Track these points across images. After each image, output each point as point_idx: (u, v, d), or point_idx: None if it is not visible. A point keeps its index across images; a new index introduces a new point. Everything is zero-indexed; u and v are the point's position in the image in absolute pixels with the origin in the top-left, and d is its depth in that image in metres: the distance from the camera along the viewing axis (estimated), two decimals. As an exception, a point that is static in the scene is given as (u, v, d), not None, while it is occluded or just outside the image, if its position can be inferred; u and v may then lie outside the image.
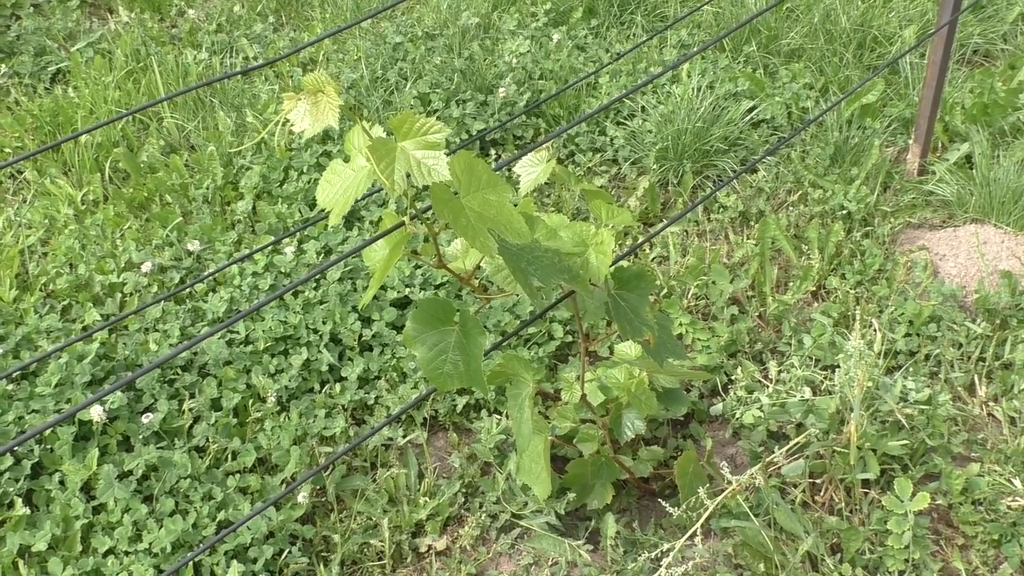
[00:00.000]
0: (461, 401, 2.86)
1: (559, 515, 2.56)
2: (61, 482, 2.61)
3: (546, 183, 3.61)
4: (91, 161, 3.81)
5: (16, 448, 2.63)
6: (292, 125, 1.34)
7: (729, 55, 4.25)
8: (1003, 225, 3.32)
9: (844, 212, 3.41)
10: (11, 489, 2.57)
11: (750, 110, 3.92)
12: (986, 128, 3.66)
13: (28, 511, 2.52)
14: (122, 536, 2.47)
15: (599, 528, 2.56)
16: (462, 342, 1.75)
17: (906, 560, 2.38)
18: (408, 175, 1.44)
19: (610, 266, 1.96)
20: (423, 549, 2.56)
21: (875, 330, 2.86)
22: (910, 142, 3.64)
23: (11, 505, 2.55)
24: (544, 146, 1.94)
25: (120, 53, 4.39)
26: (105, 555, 2.46)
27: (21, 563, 2.42)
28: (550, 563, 2.50)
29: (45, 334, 3.01)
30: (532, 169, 1.95)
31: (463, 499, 2.66)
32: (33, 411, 2.74)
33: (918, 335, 2.98)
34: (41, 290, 3.25)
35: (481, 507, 2.63)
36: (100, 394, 1.53)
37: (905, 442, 2.59)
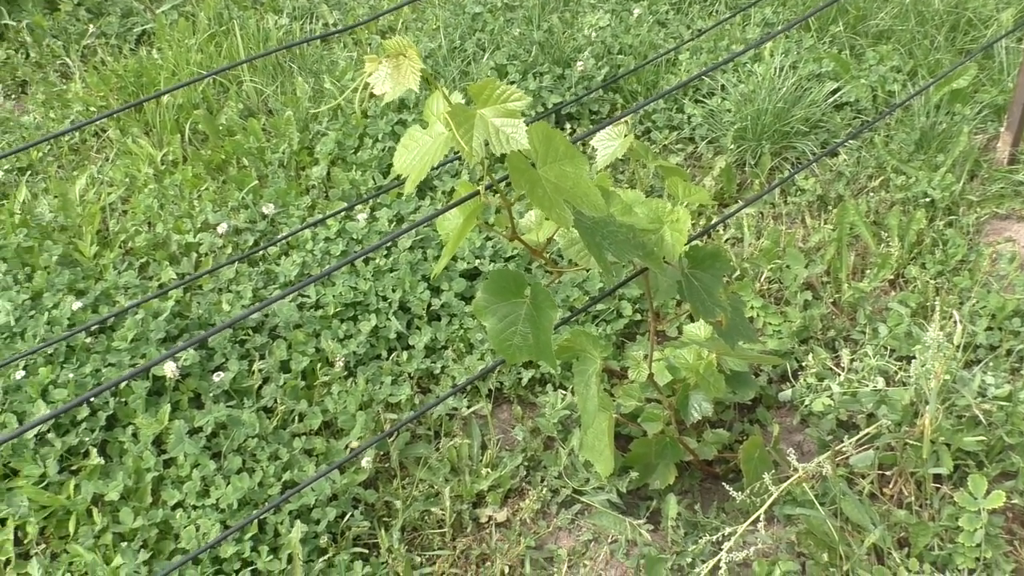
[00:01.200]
0: (527, 375, 2.85)
1: (620, 493, 2.55)
2: (134, 435, 2.68)
3: (621, 160, 3.57)
4: (172, 122, 3.88)
5: (92, 399, 2.70)
6: (373, 88, 1.34)
7: (814, 35, 4.14)
8: (1096, 219, 3.19)
9: (927, 200, 3.31)
10: (87, 439, 2.64)
11: (834, 92, 3.82)
12: (1082, 118, 3.52)
13: (102, 461, 2.59)
14: (191, 490, 2.52)
15: (660, 508, 2.54)
16: (532, 315, 1.74)
17: (977, 559, 2.32)
18: (486, 143, 1.43)
19: (685, 245, 1.93)
20: (483, 520, 2.57)
21: (955, 322, 2.77)
22: (1001, 130, 3.52)
23: (87, 455, 2.63)
24: (622, 120, 1.91)
25: (203, 16, 4.45)
26: (174, 508, 2.52)
27: (95, 510, 2.50)
28: (610, 540, 2.49)
29: (123, 290, 3.08)
30: (609, 143, 1.93)
31: (525, 472, 2.66)
32: (109, 364, 2.81)
33: (1000, 329, 2.88)
34: (120, 247, 3.32)
35: (543, 481, 2.63)
36: (173, 350, 1.55)
37: (981, 438, 2.51)
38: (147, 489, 2.55)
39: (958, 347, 2.71)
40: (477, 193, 1.65)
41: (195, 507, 2.51)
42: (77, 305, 2.95)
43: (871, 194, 3.40)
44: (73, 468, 2.62)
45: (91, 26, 4.52)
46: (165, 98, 3.89)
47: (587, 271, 3.08)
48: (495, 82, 1.44)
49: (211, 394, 2.76)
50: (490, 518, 2.57)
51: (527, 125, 1.51)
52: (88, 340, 2.88)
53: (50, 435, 2.63)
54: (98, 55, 4.37)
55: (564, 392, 2.78)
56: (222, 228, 3.28)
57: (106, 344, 2.85)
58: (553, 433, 2.70)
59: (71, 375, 2.74)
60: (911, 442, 2.52)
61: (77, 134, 3.90)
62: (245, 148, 3.70)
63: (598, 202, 1.56)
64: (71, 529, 2.48)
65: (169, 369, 2.74)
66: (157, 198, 3.46)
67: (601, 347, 2.18)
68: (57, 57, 4.42)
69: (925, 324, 2.86)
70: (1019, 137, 3.46)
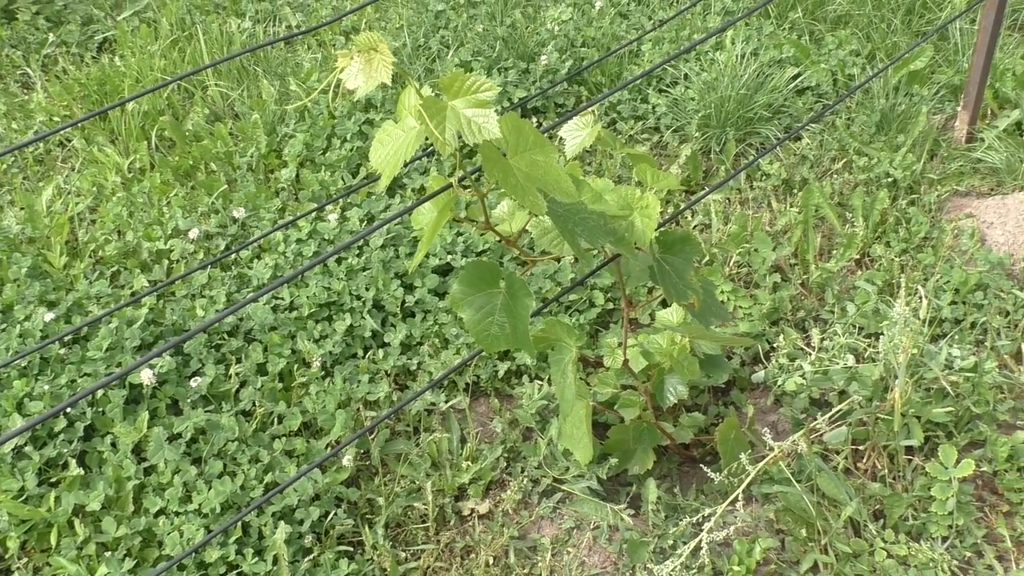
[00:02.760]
0: (503, 367, 2.88)
1: (600, 480, 2.58)
2: (113, 444, 2.67)
3: (588, 151, 3.61)
4: (137, 129, 3.86)
5: (69, 410, 2.69)
6: (346, 83, 1.35)
7: (774, 22, 4.19)
8: (1053, 193, 3.26)
9: (889, 180, 3.37)
10: (65, 450, 2.63)
11: (795, 77, 3.87)
12: (1037, 94, 3.60)
13: (82, 472, 2.58)
14: (172, 497, 2.52)
15: (640, 493, 2.57)
16: (508, 304, 1.77)
17: (950, 526, 2.37)
18: (459, 134, 1.45)
19: (655, 230, 1.96)
20: (466, 512, 2.59)
21: (920, 298, 2.83)
22: (958, 109, 3.58)
23: (65, 466, 2.62)
24: (588, 110, 1.94)
25: (165, 22, 4.43)
26: (156, 515, 2.52)
27: (76, 521, 2.49)
28: (592, 527, 2.52)
29: (95, 300, 3.07)
30: (577, 133, 1.95)
31: (505, 464, 2.68)
32: (85, 374, 2.80)
33: (964, 303, 2.95)
34: (90, 257, 3.31)
35: (523, 472, 2.65)
36: (148, 357, 1.56)
37: (950, 409, 2.57)
38: (128, 497, 2.55)
39: (924, 322, 2.76)
40: (449, 186, 1.67)
41: (178, 513, 2.51)
42: (49, 316, 2.93)
43: (835, 176, 3.46)
44: (52, 480, 2.61)
45: (51, 35, 4.49)
46: (130, 105, 3.87)
47: (558, 262, 3.11)
48: (464, 74, 1.46)
49: (189, 400, 2.76)
50: (472, 511, 2.59)
51: (498, 117, 1.53)
52: (62, 351, 2.87)
53: (27, 448, 2.62)
54: (59, 64, 4.34)
55: (541, 383, 2.81)
56: (193, 234, 3.27)
57: (81, 354, 2.84)
58: (531, 424, 2.73)
59: (46, 387, 2.73)
60: (882, 416, 2.57)
61: (42, 144, 3.87)
62: (213, 153, 3.69)
63: (569, 188, 1.58)
64: (53, 541, 2.47)
65: (146, 376, 2.73)
66: (126, 206, 3.44)
67: (576, 336, 2.21)
68: (17, 67, 4.39)
69: (891, 301, 2.91)
70: (976, 116, 3.53)
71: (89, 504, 2.51)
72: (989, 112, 3.65)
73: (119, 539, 2.46)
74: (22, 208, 3.49)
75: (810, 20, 4.20)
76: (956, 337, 2.84)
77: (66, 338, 2.92)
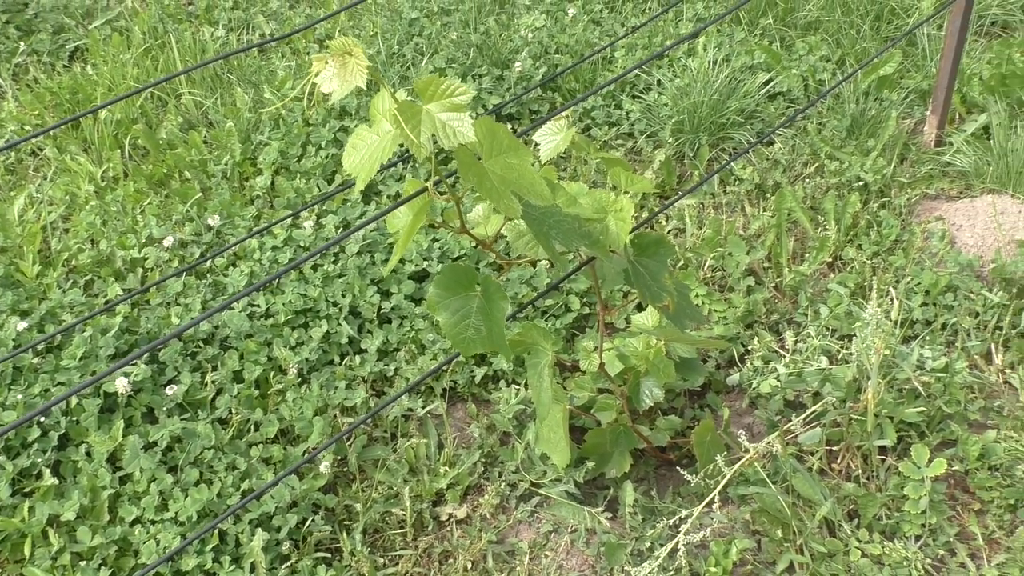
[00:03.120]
0: (480, 372, 2.88)
1: (578, 484, 2.59)
2: (88, 453, 2.65)
3: (562, 155, 3.62)
4: (111, 138, 3.84)
5: (43, 420, 2.67)
6: (321, 87, 1.36)
7: (745, 28, 4.24)
8: (1020, 195, 3.31)
9: (861, 183, 3.41)
10: (39, 460, 2.61)
11: (766, 83, 3.91)
12: (1004, 99, 3.65)
13: (56, 481, 2.56)
14: (148, 505, 2.51)
15: (618, 496, 2.59)
16: (484, 307, 1.78)
17: (923, 525, 2.40)
18: (434, 138, 1.46)
19: (629, 233, 1.98)
20: (444, 518, 2.59)
21: (892, 299, 2.87)
22: (927, 113, 3.63)
23: (39, 476, 2.60)
24: (563, 114, 1.95)
25: (138, 30, 4.41)
26: (132, 524, 2.51)
27: (51, 531, 2.47)
28: (570, 530, 2.53)
29: (68, 309, 3.05)
30: (552, 137, 1.97)
31: (482, 469, 2.69)
32: (59, 384, 2.78)
33: (935, 304, 2.99)
34: (64, 265, 3.28)
35: (500, 476, 2.66)
36: (121, 363, 1.55)
37: (922, 409, 2.60)
38: (104, 507, 2.53)
39: (896, 323, 2.80)
40: (425, 189, 1.68)
41: (154, 522, 2.50)
42: (22, 326, 2.91)
43: (807, 180, 3.49)
44: (26, 490, 2.58)
45: (22, 43, 4.46)
46: (103, 114, 3.85)
47: (534, 267, 3.12)
48: (439, 78, 1.47)
49: (164, 408, 2.75)
50: (450, 516, 2.60)
51: (473, 121, 1.54)
52: (35, 360, 2.85)
53: (0, 458, 2.60)
54: (30, 73, 4.32)
55: (517, 387, 2.82)
56: (167, 242, 3.26)
57: (54, 363, 2.82)
58: (508, 428, 2.74)
59: (19, 396, 2.71)
60: (856, 417, 2.60)
61: (12, 153, 3.85)
62: (187, 161, 3.68)
63: (543, 191, 1.59)
64: (27, 552, 2.45)
65: (121, 385, 2.72)
66: (99, 215, 3.42)
67: (552, 340, 2.22)
68: (-12, 77, 4.35)
69: (864, 303, 2.95)
70: (944, 120, 3.58)
71: (64, 514, 2.49)
72: (957, 116, 3.70)
73: (94, 548, 2.44)
74: (-6, 217, 3.46)
75: (781, 26, 4.24)
76: (927, 338, 2.88)
77: (39, 347, 2.90)
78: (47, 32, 4.53)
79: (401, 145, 1.57)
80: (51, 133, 3.84)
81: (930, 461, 2.39)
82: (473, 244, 2.11)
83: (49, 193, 3.62)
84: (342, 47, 1.37)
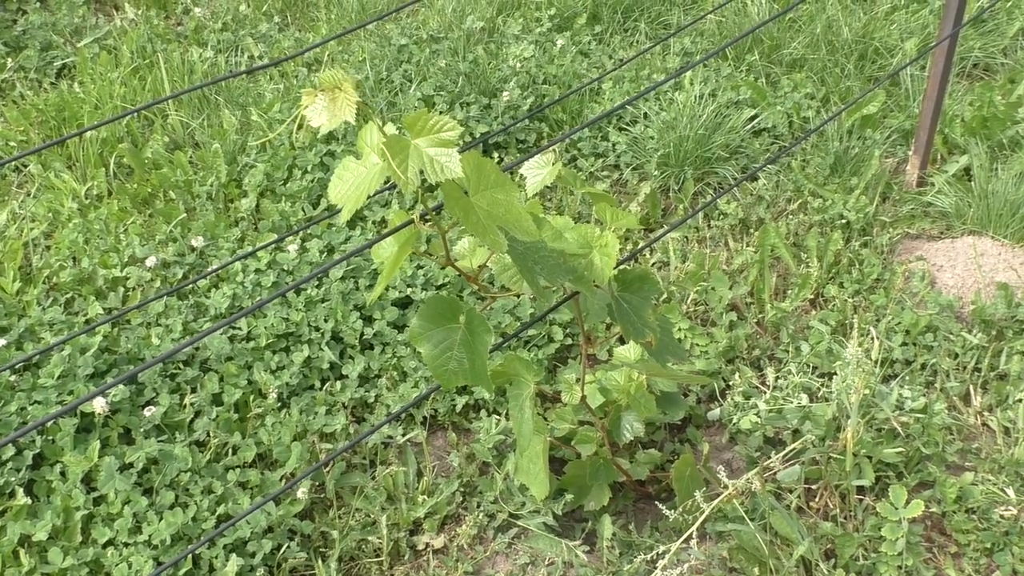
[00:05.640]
0: (461, 401, 2.88)
1: (556, 516, 2.58)
2: (62, 473, 2.63)
3: (549, 187, 3.64)
4: (96, 156, 3.83)
5: (18, 438, 2.64)
6: (310, 120, 1.36)
7: (732, 64, 4.28)
8: (1000, 237, 3.35)
9: (843, 221, 3.44)
10: (12, 479, 2.58)
11: (752, 119, 3.95)
12: (985, 141, 3.70)
13: (29, 501, 2.53)
14: (122, 527, 2.48)
15: (596, 529, 2.58)
16: (468, 340, 1.78)
17: (899, 567, 2.40)
18: (421, 172, 1.46)
19: (614, 268, 1.99)
20: (420, 547, 2.58)
21: (872, 338, 2.88)
22: (910, 153, 3.67)
23: (12, 495, 2.57)
24: (550, 149, 1.97)
25: (126, 49, 4.41)
26: (105, 546, 2.48)
27: (22, 552, 2.44)
28: (547, 563, 2.52)
29: (48, 327, 3.02)
30: (538, 171, 1.98)
31: (461, 498, 2.68)
32: (36, 402, 2.76)
33: (915, 344, 3.00)
34: (44, 283, 3.26)
35: (479, 506, 2.65)
36: (102, 388, 1.54)
37: (900, 450, 2.61)
38: (76, 528, 2.50)
39: (876, 362, 2.81)
40: (411, 222, 1.68)
41: (127, 544, 2.48)
42: (0, 343, 2.89)
43: (790, 217, 3.52)
44: (-2, 509, 2.56)
45: (9, 60, 4.45)
46: (89, 132, 3.84)
47: (518, 297, 3.13)
48: (428, 113, 1.48)
49: (142, 429, 2.72)
50: (427, 545, 2.58)
51: (460, 156, 1.55)
52: (13, 378, 2.82)
53: (-26, 476, 2.57)
54: (17, 89, 4.30)
55: (498, 417, 2.81)
56: (150, 262, 3.25)
57: (32, 382, 2.80)
58: (488, 458, 2.73)
59: (-5, 414, 2.69)
60: (835, 456, 2.61)
61: (-4, 169, 3.83)
62: (172, 181, 3.67)
63: (529, 227, 1.60)
64: (-3, 572, 2.42)
65: (98, 405, 2.70)
66: (82, 233, 3.41)
67: (534, 371, 2.22)
68: (-26, 91, 4.34)
69: (845, 341, 2.96)
70: (927, 160, 3.62)
71: (36, 534, 2.46)
72: (939, 157, 3.74)
73: (65, 570, 2.41)
74: (-25, 232, 3.44)
75: (767, 63, 4.29)
76: (907, 378, 2.89)
77: (17, 365, 2.87)
78: (35, 49, 4.52)
79: (388, 178, 1.57)
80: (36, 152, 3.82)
81: (908, 502, 2.40)
82: (458, 274, 2.11)
83: (32, 209, 3.61)
84: (332, 81, 1.38)
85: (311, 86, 1.36)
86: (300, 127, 1.30)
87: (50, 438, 2.68)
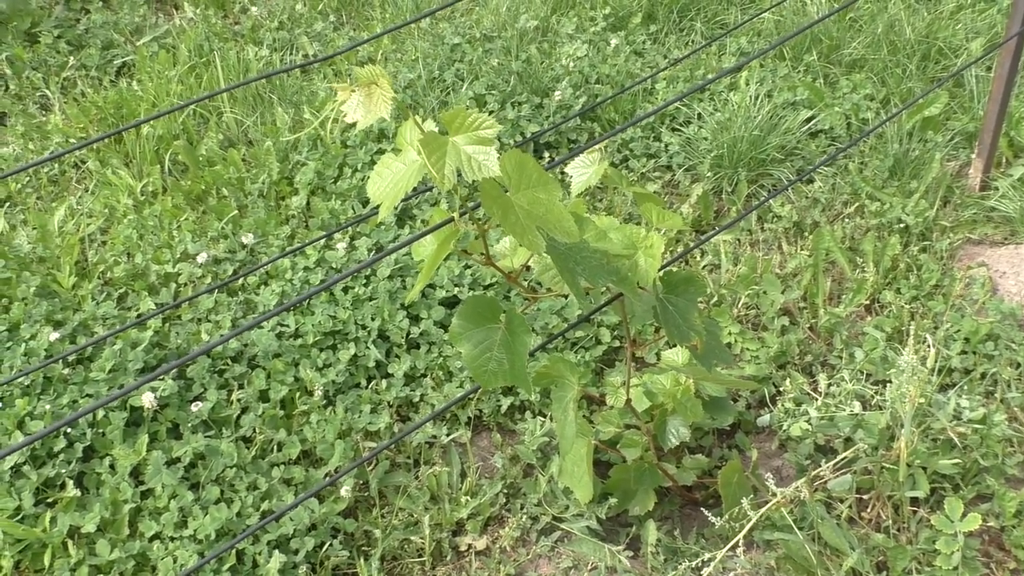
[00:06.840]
0: (506, 402, 2.86)
1: (600, 520, 2.55)
2: (111, 466, 2.66)
3: (599, 187, 3.60)
4: (152, 153, 3.88)
5: (69, 431, 2.69)
6: (345, 116, 1.35)
7: (789, 64, 4.20)
8: (1067, 243, 3.24)
9: (901, 226, 3.35)
10: (63, 471, 2.62)
11: (808, 120, 3.87)
12: (1052, 144, 3.58)
13: (79, 493, 2.57)
14: (168, 521, 2.50)
15: (640, 535, 2.54)
16: (508, 340, 1.75)
17: (954, 581, 2.33)
18: (458, 170, 1.44)
19: (659, 270, 1.95)
20: (463, 548, 2.56)
21: (929, 346, 2.80)
22: (973, 156, 3.57)
23: (63, 486, 2.61)
24: (596, 147, 1.93)
25: (184, 48, 4.47)
26: (151, 539, 2.50)
27: (71, 543, 2.47)
28: (589, 567, 2.49)
29: (101, 321, 3.07)
30: (584, 170, 1.95)
31: (504, 500, 2.65)
32: (87, 395, 2.80)
33: (974, 353, 2.91)
34: (99, 278, 3.31)
35: (522, 508, 2.62)
36: (148, 377, 1.55)
37: (957, 461, 2.53)
38: (124, 521, 2.53)
39: (932, 371, 2.73)
40: (451, 220, 1.66)
41: (173, 538, 2.50)
42: (55, 336, 2.94)
43: (846, 220, 3.44)
44: (49, 500, 2.60)
45: (71, 58, 4.53)
46: (145, 129, 3.90)
47: (565, 298, 3.10)
48: (466, 110, 1.46)
49: (189, 424, 2.75)
50: (470, 546, 2.56)
51: (503, 153, 1.53)
52: (65, 371, 2.87)
53: (26, 467, 2.61)
54: (78, 87, 4.38)
55: (543, 419, 2.79)
56: (201, 258, 3.28)
57: (84, 375, 2.84)
58: (532, 460, 2.70)
59: (48, 406, 2.73)
60: (888, 466, 2.54)
61: (56, 165, 3.90)
62: (225, 178, 3.71)
63: (570, 228, 1.57)
64: (47, 562, 2.46)
65: (147, 399, 2.73)
66: (136, 228, 3.46)
67: (579, 373, 2.19)
68: (37, 89, 4.43)
69: (900, 348, 2.88)
70: (990, 164, 3.51)
71: (84, 526, 2.49)
72: (1004, 160, 3.63)
73: (112, 562, 2.44)
74: (34, 228, 3.51)
75: (825, 63, 4.20)
76: (965, 388, 2.80)
77: (70, 358, 2.92)
78: (96, 48, 4.60)
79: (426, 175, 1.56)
80: (94, 146, 3.89)
81: (964, 515, 2.32)
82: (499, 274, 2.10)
83: (89, 205, 3.67)
84: (368, 77, 1.36)
85: (347, 82, 1.35)
86: (335, 120, 1.28)
87: (100, 431, 2.72)
